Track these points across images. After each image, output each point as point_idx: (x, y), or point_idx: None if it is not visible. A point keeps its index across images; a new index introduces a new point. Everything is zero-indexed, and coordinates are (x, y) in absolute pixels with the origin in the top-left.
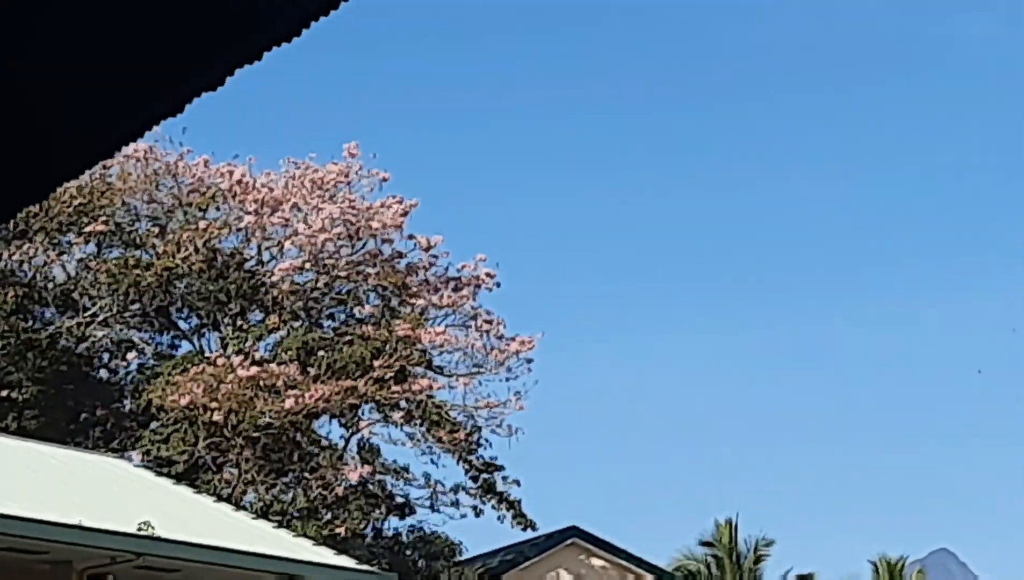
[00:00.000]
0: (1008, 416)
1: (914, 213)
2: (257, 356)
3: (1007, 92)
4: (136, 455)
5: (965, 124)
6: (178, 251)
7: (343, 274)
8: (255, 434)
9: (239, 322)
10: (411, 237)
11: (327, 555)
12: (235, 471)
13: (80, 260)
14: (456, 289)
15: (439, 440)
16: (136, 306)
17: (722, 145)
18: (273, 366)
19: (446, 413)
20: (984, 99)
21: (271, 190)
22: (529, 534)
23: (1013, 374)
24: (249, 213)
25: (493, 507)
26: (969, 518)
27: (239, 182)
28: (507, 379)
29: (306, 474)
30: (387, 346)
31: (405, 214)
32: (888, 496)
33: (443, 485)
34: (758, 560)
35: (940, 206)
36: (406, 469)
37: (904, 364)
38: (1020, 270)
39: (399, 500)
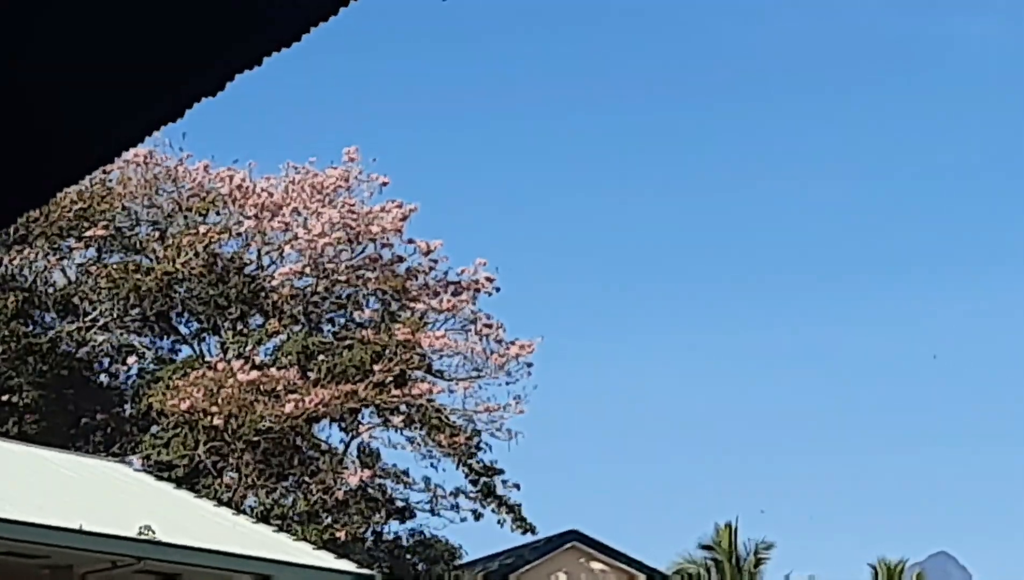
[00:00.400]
0: (1010, 419)
1: (915, 214)
2: (257, 360)
3: (1009, 93)
4: (136, 459)
5: (968, 125)
6: (178, 256)
7: (343, 278)
8: (255, 438)
9: (239, 326)
10: (411, 241)
11: (327, 559)
12: (235, 475)
13: (80, 265)
14: (456, 293)
15: (439, 444)
16: (136, 311)
17: (723, 146)
18: (273, 370)
19: (446, 417)
20: (985, 100)
21: (271, 195)
22: (529, 538)
23: (1015, 375)
24: (249, 218)
25: (493, 511)
26: (969, 522)
27: (239, 187)
28: (507, 383)
29: (306, 478)
30: (387, 350)
31: (404, 218)
32: (888, 499)
33: (443, 489)
34: (758, 563)
35: (942, 207)
36: (406, 473)
37: (905, 366)
38: (1022, 272)
39: (399, 504)
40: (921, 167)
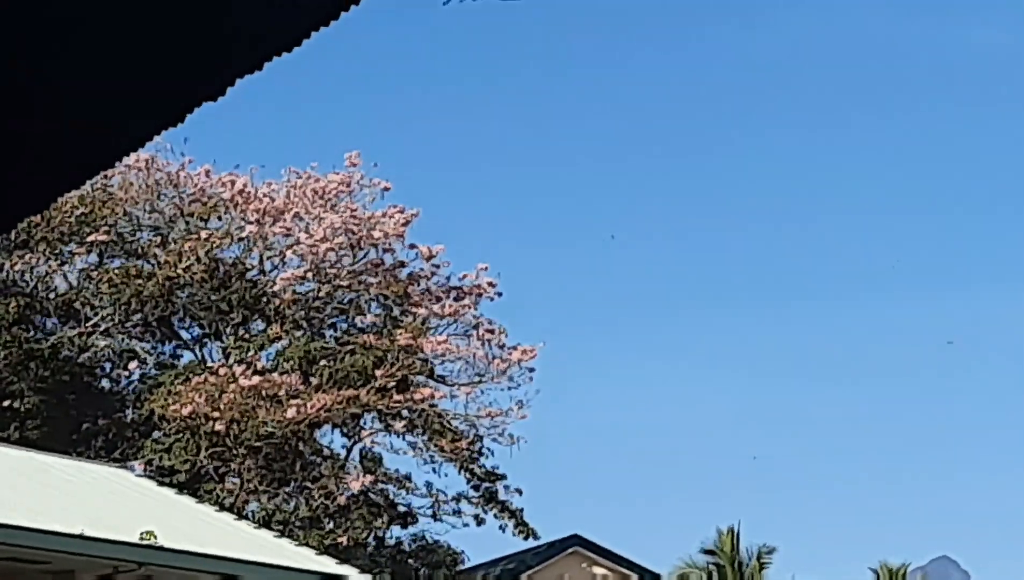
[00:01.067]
0: (1012, 423)
1: (920, 221)
2: (259, 366)
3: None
4: (138, 465)
5: (975, 132)
6: (180, 261)
7: (345, 283)
8: (257, 444)
9: (241, 332)
10: (412, 246)
11: (329, 564)
12: (237, 481)
13: (82, 270)
14: (458, 298)
15: (441, 449)
16: (138, 316)
17: (730, 151)
18: (275, 376)
19: (448, 422)
20: (996, 106)
21: (272, 200)
22: (531, 543)
23: (1016, 381)
24: (251, 223)
25: (495, 516)
26: (971, 526)
27: (241, 192)
28: (509, 388)
29: (308, 483)
30: (389, 355)
31: (406, 223)
32: (890, 503)
33: (445, 494)
34: (761, 568)
35: (948, 219)
36: (408, 478)
37: (906, 370)
38: None
39: (401, 509)
40: (928, 174)
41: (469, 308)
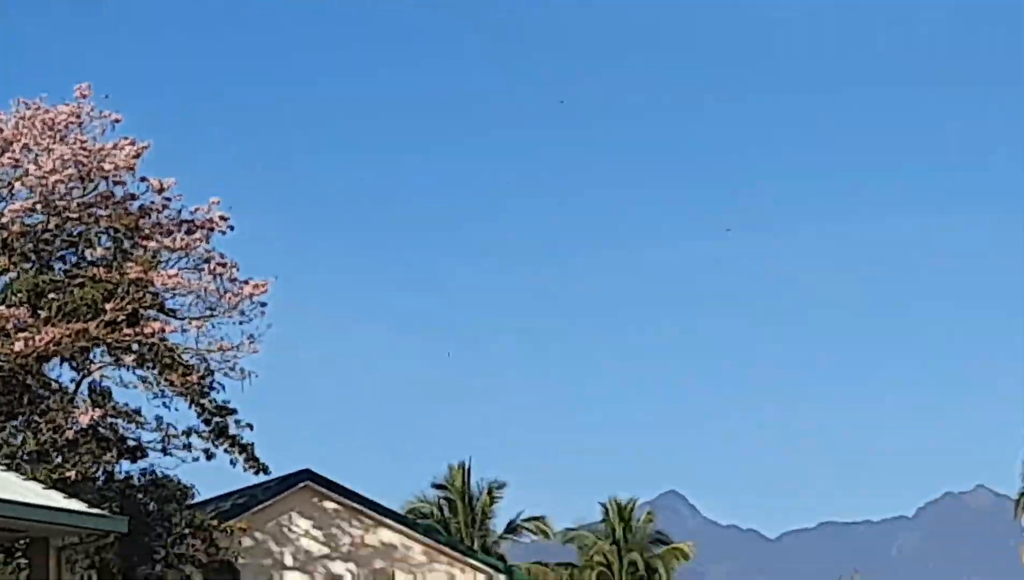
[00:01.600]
0: (738, 364)
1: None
2: None
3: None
4: None
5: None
6: None
7: (74, 216)
8: None
9: None
10: (143, 179)
11: (57, 499)
12: None
13: None
14: (189, 232)
15: (171, 383)
16: None
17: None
18: (2, 308)
19: (178, 356)
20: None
21: (1, 130)
22: (262, 477)
23: (737, 319)
24: None
25: (225, 451)
26: (698, 462)
27: None
28: (240, 322)
29: (36, 417)
30: (119, 289)
31: (138, 156)
32: (620, 440)
33: (175, 428)
34: (491, 502)
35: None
36: (138, 412)
37: (636, 311)
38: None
39: (131, 443)
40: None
41: (201, 242)
